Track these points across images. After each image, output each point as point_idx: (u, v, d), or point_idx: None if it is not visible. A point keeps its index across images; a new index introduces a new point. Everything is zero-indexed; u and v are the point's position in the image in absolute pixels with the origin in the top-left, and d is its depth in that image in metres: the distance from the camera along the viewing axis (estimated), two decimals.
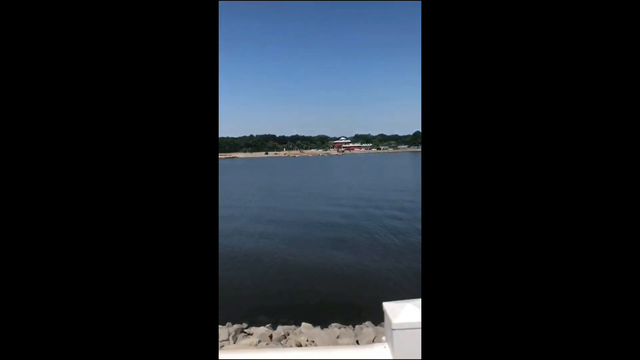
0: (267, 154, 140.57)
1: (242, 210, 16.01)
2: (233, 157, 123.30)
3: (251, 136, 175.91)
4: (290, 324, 5.21)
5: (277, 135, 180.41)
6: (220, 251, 9.55)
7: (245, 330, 5.18)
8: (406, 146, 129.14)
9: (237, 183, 30.97)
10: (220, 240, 10.69)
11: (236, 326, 5.12)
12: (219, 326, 5.15)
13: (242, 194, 23.02)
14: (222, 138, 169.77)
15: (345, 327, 4.88)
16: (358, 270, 7.73)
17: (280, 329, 4.87)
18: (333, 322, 5.16)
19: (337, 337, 4.39)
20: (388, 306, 1.68)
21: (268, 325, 5.21)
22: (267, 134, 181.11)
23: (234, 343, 4.49)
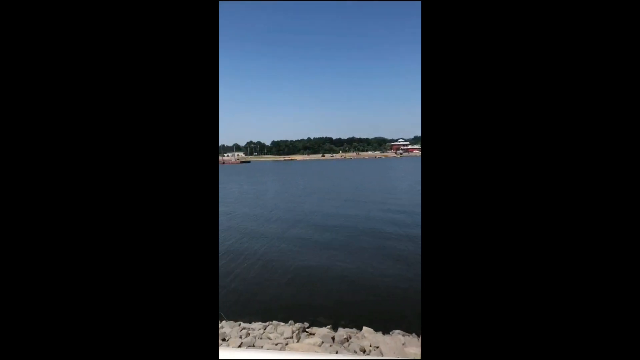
0: (323, 156, 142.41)
1: (300, 215, 16.40)
2: (291, 160, 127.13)
3: (309, 139, 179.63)
4: (351, 327, 5.22)
5: (334, 138, 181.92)
6: (272, 252, 9.89)
7: (307, 329, 5.31)
8: None
9: (293, 185, 31.82)
10: (277, 243, 11.07)
11: (298, 325, 5.27)
12: (282, 324, 5.34)
13: (298, 195, 23.59)
14: (282, 141, 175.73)
15: (409, 335, 4.77)
16: (409, 280, 7.49)
17: (342, 332, 4.91)
18: (395, 330, 5.07)
19: (403, 345, 4.31)
20: None
21: (329, 326, 5.27)
22: (323, 136, 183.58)
23: (298, 342, 4.63)
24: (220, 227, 13.42)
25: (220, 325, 5.34)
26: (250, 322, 5.47)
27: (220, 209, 17.94)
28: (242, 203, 20.02)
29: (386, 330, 5.07)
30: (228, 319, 5.64)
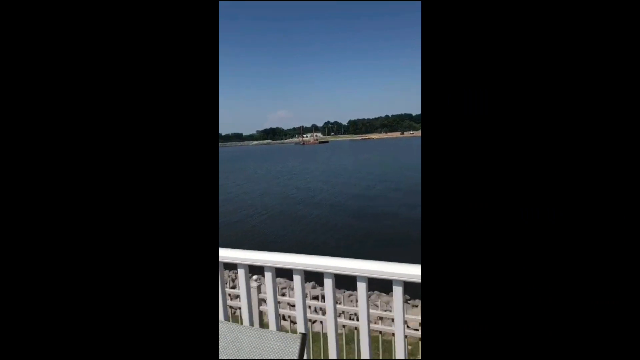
0: (402, 133, 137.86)
1: (349, 197, 16.35)
2: (368, 138, 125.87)
3: (387, 116, 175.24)
4: None
5: (414, 114, 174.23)
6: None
7: (409, 301, 5.46)
8: None
9: (371, 164, 31.62)
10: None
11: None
12: (384, 294, 5.57)
13: (359, 176, 23.44)
14: (359, 119, 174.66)
15: None
16: None
17: None
18: None
19: None
20: None
21: None
22: (403, 113, 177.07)
23: None
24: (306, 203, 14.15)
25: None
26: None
27: (300, 194, 18.86)
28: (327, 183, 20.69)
29: None
30: None
